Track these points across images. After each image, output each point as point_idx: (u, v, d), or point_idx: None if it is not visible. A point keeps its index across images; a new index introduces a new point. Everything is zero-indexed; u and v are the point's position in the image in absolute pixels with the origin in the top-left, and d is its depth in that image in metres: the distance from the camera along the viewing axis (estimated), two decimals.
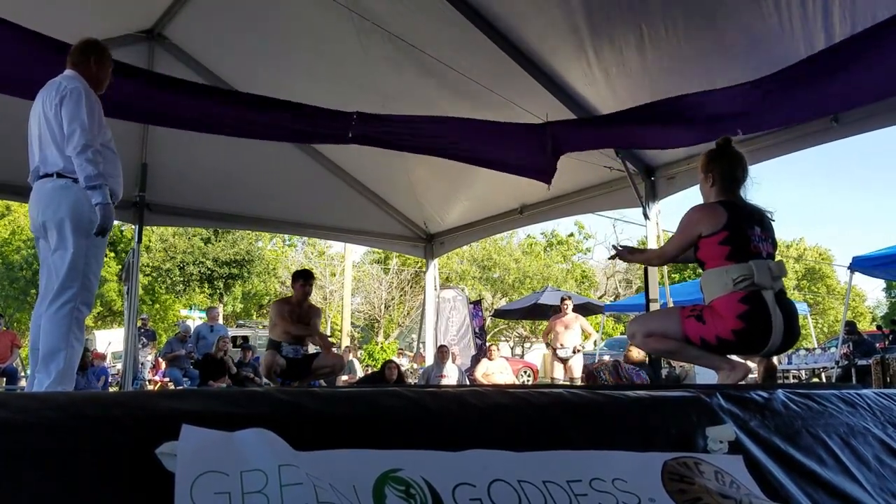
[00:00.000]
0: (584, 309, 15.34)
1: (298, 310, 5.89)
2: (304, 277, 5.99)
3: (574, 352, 8.44)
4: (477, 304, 14.16)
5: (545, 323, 10.97)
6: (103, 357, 13.23)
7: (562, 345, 8.51)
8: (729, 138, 3.05)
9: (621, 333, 25.73)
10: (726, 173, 2.93)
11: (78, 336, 3.07)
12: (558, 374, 8.55)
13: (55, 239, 3.12)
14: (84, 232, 3.10)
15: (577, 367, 8.42)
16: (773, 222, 2.92)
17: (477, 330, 13.33)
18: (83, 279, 3.10)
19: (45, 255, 3.28)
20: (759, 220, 2.85)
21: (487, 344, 11.83)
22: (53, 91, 3.19)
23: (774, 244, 2.87)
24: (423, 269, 10.09)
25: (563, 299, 9.39)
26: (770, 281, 2.70)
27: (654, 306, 6.50)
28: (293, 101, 4.99)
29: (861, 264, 9.51)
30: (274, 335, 5.85)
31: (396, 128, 5.43)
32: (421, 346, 13.13)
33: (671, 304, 8.54)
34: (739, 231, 2.76)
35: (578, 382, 8.49)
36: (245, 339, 15.16)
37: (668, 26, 4.71)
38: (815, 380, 10.65)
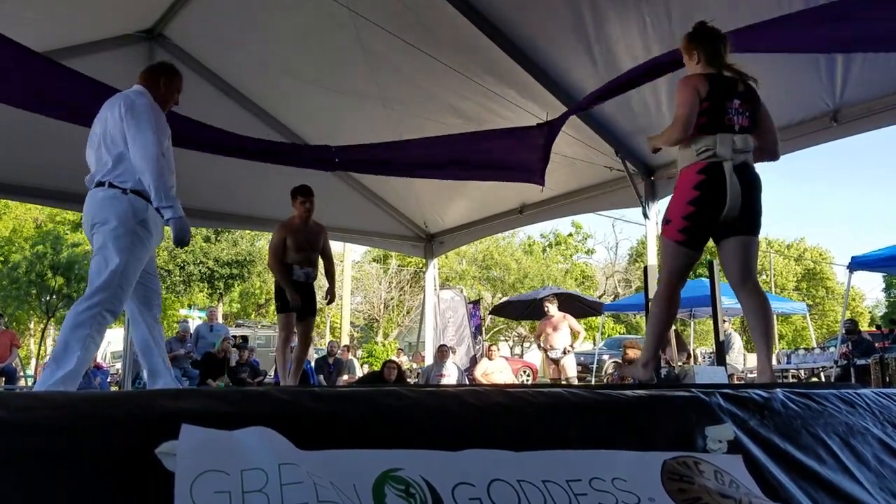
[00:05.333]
0: (584, 308, 15.33)
1: (304, 229, 5.44)
2: (302, 193, 5.41)
3: (564, 352, 8.42)
4: (476, 304, 14.17)
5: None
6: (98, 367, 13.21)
7: (552, 346, 8.49)
8: (704, 21, 3.14)
9: (621, 333, 25.76)
10: (709, 49, 3.03)
11: (96, 340, 3.09)
12: (553, 376, 8.54)
13: (97, 244, 3.18)
14: (125, 242, 3.14)
15: (569, 366, 8.40)
16: (754, 89, 3.03)
17: (474, 329, 13.34)
18: (116, 288, 3.12)
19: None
20: (740, 92, 2.97)
21: (487, 344, 11.81)
22: (120, 102, 3.27)
23: (753, 116, 2.98)
24: (423, 269, 10.09)
25: (545, 300, 9.29)
26: (730, 153, 2.86)
27: None
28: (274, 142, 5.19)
29: (860, 264, 9.51)
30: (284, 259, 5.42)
31: (377, 154, 5.61)
32: (420, 345, 13.13)
33: None
34: (718, 103, 2.90)
35: (574, 382, 8.48)
36: (244, 339, 15.14)
37: (671, 21, 4.70)
38: (814, 379, 10.65)
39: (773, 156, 3.21)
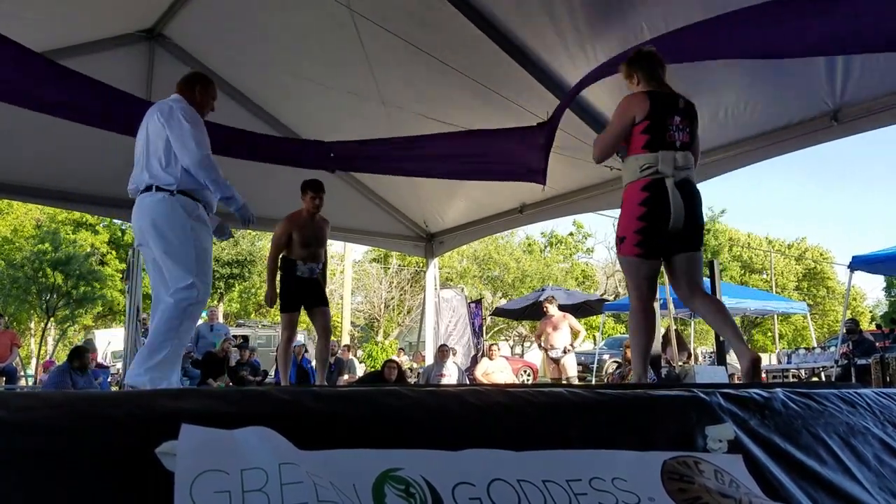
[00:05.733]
0: (584, 308, 15.33)
1: (311, 224, 5.31)
2: (313, 188, 5.28)
3: (564, 351, 8.42)
4: (478, 303, 14.19)
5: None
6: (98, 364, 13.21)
7: (552, 346, 8.50)
8: (641, 48, 3.32)
9: (621, 333, 25.76)
10: (647, 71, 3.18)
11: (188, 329, 3.35)
12: (553, 375, 8.55)
13: (161, 246, 3.33)
14: (185, 238, 3.32)
15: (570, 366, 8.41)
16: (695, 108, 3.18)
17: (477, 329, 13.35)
18: (194, 279, 3.31)
19: (149, 263, 3.52)
20: (680, 109, 3.10)
21: (487, 343, 11.81)
22: (158, 111, 3.42)
23: (692, 133, 3.13)
24: (424, 268, 10.09)
25: (545, 300, 9.33)
26: (672, 170, 2.98)
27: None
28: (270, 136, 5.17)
29: (861, 264, 9.51)
30: (287, 254, 5.31)
31: (375, 151, 5.60)
32: (421, 345, 13.14)
33: (671, 304, 8.56)
34: (660, 121, 3.02)
35: (575, 381, 8.48)
36: (245, 338, 15.14)
37: (668, 24, 4.71)
38: (815, 379, 10.65)
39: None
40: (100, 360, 13.15)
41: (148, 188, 3.35)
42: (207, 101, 3.69)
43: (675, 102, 3.10)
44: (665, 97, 3.10)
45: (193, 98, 3.59)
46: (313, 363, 10.84)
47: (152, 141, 3.37)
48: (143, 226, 3.38)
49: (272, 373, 11.61)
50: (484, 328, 14.36)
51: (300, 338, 14.01)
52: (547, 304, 8.92)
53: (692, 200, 3.02)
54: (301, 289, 5.28)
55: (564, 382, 8.06)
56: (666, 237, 3.01)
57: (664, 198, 2.95)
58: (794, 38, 3.57)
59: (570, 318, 8.80)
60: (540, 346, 9.02)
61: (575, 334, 8.60)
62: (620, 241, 3.14)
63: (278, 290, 5.41)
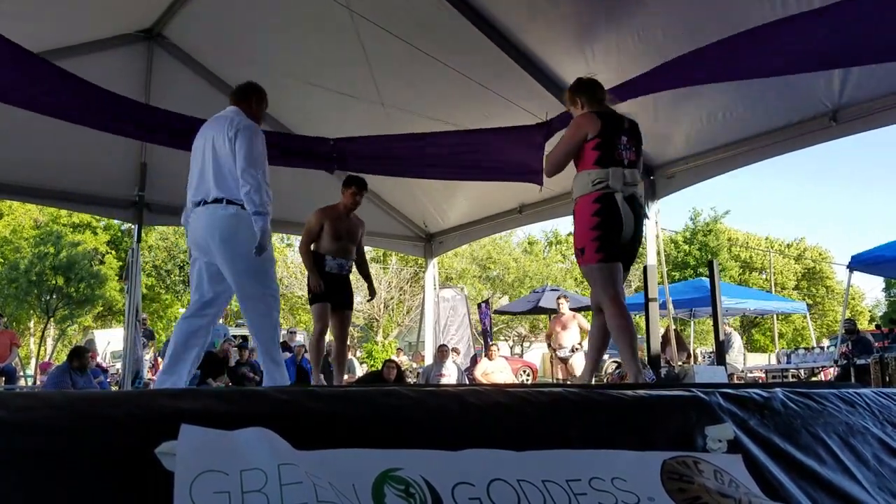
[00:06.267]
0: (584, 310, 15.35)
1: (346, 219, 5.17)
2: (357, 185, 5.18)
3: (572, 350, 8.43)
4: (486, 303, 14.31)
5: (543, 319, 10.94)
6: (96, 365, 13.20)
7: (560, 345, 8.51)
8: (581, 77, 3.51)
9: None
10: (591, 95, 3.39)
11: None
12: (560, 375, 8.56)
13: (232, 260, 3.46)
14: (256, 250, 3.45)
15: (577, 365, 8.40)
16: (638, 127, 3.39)
17: (488, 329, 13.45)
18: (267, 290, 3.54)
19: (201, 272, 3.63)
20: (626, 129, 3.30)
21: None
22: (226, 125, 3.50)
23: (638, 151, 3.34)
24: (423, 268, 10.08)
25: (558, 298, 9.36)
26: (621, 186, 3.18)
27: (653, 306, 6.51)
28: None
29: (860, 263, 9.50)
30: (316, 248, 5.14)
31: (376, 150, 5.58)
32: (420, 345, 13.15)
33: (670, 304, 8.55)
34: (609, 139, 3.21)
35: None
36: (244, 338, 15.11)
37: (665, 26, 4.72)
38: (814, 379, 10.65)
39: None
40: (99, 360, 13.14)
41: (217, 200, 3.45)
42: (262, 112, 3.82)
43: (621, 123, 3.31)
44: (613, 117, 3.30)
45: (250, 110, 3.69)
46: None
47: (221, 155, 3.46)
48: (209, 239, 3.48)
49: None
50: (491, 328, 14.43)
51: (300, 338, 13.99)
52: (561, 300, 8.94)
53: (639, 217, 3.24)
54: (330, 284, 5.09)
55: (568, 382, 8.06)
56: (618, 246, 3.19)
57: (615, 210, 3.15)
58: (792, 56, 3.75)
59: (580, 318, 8.82)
60: (549, 345, 9.05)
61: (584, 334, 8.61)
62: (580, 252, 3.28)
63: (309, 282, 5.21)
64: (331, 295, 5.09)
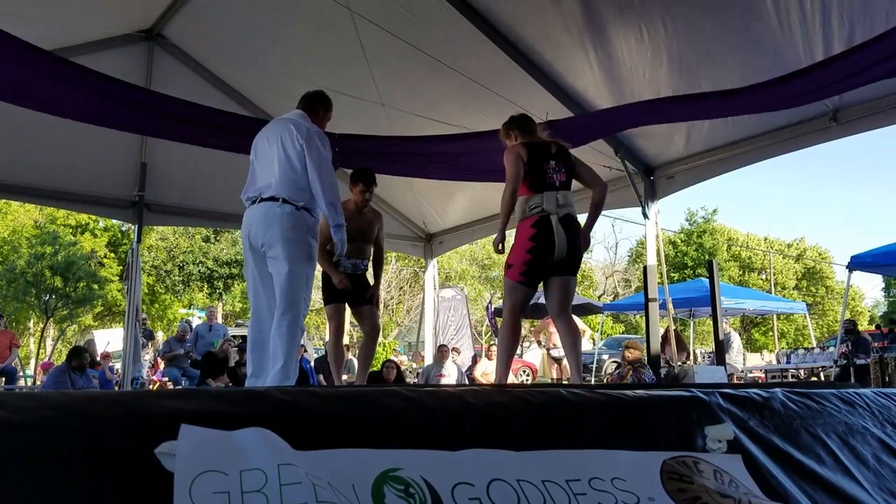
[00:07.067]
0: (584, 309, 15.33)
1: (358, 217, 4.87)
2: (364, 180, 4.90)
3: None
4: (492, 304, 14.37)
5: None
6: (107, 356, 13.17)
7: (554, 345, 8.50)
8: (513, 115, 3.86)
9: (620, 333, 25.76)
10: (521, 127, 3.74)
11: (298, 341, 3.58)
12: (555, 375, 8.55)
13: (282, 258, 3.46)
14: (305, 255, 3.52)
15: None
16: (568, 151, 3.68)
17: (496, 330, 13.49)
18: (307, 290, 3.56)
19: (258, 270, 3.62)
20: (553, 154, 3.58)
21: (487, 344, 11.84)
22: (295, 129, 3.59)
23: (568, 171, 3.61)
24: (423, 268, 10.08)
25: None
26: (555, 207, 3.47)
27: (652, 306, 6.51)
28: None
29: (859, 263, 9.50)
30: (332, 248, 4.95)
31: (376, 149, 5.55)
32: (420, 345, 13.15)
33: (670, 304, 8.55)
34: (537, 166, 3.51)
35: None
36: (244, 339, 15.11)
37: (667, 26, 4.73)
38: (814, 379, 10.65)
39: (601, 189, 3.75)
40: (99, 360, 13.12)
41: (273, 198, 3.51)
42: (326, 121, 3.95)
43: (548, 149, 3.58)
44: (539, 146, 3.59)
45: (317, 118, 3.80)
46: (312, 363, 10.84)
47: (290, 156, 3.54)
48: (269, 233, 3.50)
49: None
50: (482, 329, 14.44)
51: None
52: None
53: (573, 234, 3.50)
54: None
55: (566, 383, 8.05)
56: (549, 265, 3.48)
57: (550, 233, 3.43)
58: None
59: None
60: (540, 343, 9.02)
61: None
62: (509, 266, 3.57)
63: (321, 283, 5.05)
64: (346, 294, 4.94)
